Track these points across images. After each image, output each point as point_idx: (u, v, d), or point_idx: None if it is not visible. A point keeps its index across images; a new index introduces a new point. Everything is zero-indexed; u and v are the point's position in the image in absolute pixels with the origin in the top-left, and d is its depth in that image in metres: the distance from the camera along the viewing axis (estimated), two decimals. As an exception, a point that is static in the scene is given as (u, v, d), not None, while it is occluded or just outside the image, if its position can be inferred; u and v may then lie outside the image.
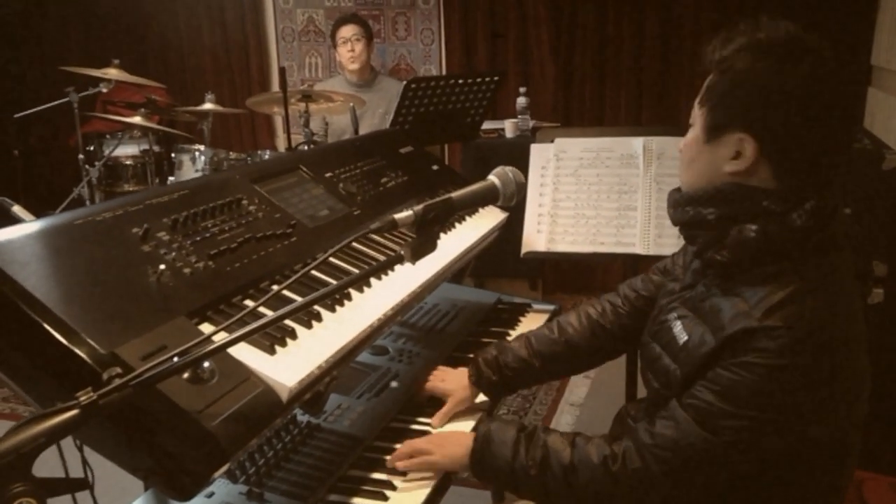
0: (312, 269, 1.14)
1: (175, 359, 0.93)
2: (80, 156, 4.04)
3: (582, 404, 3.33)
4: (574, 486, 1.25)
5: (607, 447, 1.25)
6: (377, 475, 1.38)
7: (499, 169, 1.31)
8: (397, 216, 1.15)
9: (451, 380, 1.61)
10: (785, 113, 1.13)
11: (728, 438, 1.13)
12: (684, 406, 1.18)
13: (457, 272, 2.04)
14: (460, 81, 3.61)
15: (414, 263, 1.18)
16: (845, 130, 1.18)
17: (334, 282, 1.29)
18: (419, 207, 1.16)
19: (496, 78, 3.66)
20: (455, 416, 1.57)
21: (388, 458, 1.40)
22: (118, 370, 0.90)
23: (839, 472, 1.25)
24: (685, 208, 1.24)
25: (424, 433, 1.51)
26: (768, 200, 1.15)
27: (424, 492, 1.35)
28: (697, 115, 1.24)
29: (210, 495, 1.28)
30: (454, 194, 1.23)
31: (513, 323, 2.02)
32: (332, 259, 1.44)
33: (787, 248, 1.15)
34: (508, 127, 4.17)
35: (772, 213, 1.14)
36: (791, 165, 1.15)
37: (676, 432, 1.17)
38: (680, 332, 1.26)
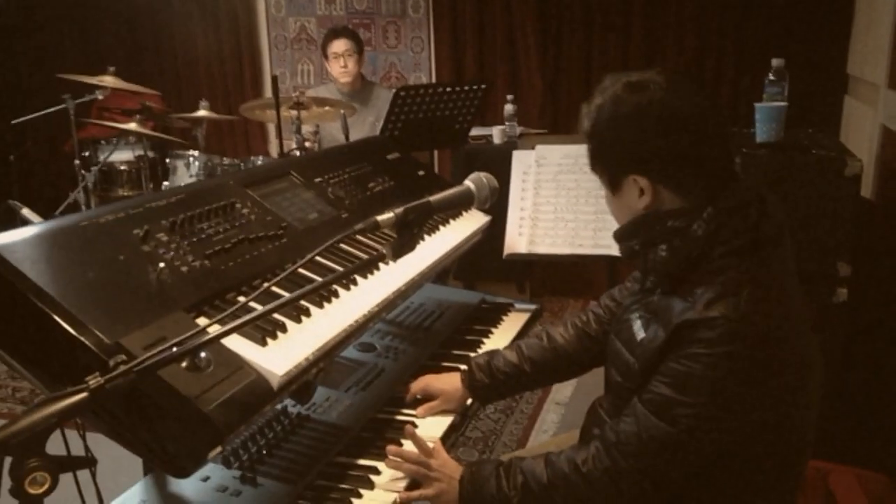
0: (300, 266, 1.23)
1: (174, 348, 1.03)
2: (76, 161, 4.10)
3: (567, 403, 3.42)
4: (556, 500, 1.35)
5: (576, 454, 1.35)
6: (363, 461, 1.47)
7: (474, 174, 1.41)
8: (379, 217, 1.24)
9: (444, 379, 1.71)
10: (646, 142, 1.28)
11: (685, 426, 1.24)
12: (643, 402, 1.29)
13: (440, 273, 2.14)
14: (448, 90, 3.71)
15: (395, 261, 1.27)
16: (713, 141, 1.29)
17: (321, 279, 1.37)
18: (400, 209, 1.26)
19: (482, 86, 3.77)
20: (439, 413, 1.65)
21: (378, 448, 1.47)
22: (123, 357, 0.99)
23: (793, 457, 1.35)
24: (620, 245, 1.41)
25: (408, 423, 1.60)
26: (672, 220, 1.29)
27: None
28: (599, 178, 1.40)
29: (206, 479, 1.37)
30: (432, 198, 1.32)
31: (496, 321, 2.11)
32: (319, 258, 1.53)
33: (697, 255, 1.26)
34: (496, 133, 4.27)
35: (677, 231, 1.28)
36: (682, 181, 1.29)
37: (638, 427, 1.28)
38: (638, 329, 1.37)
